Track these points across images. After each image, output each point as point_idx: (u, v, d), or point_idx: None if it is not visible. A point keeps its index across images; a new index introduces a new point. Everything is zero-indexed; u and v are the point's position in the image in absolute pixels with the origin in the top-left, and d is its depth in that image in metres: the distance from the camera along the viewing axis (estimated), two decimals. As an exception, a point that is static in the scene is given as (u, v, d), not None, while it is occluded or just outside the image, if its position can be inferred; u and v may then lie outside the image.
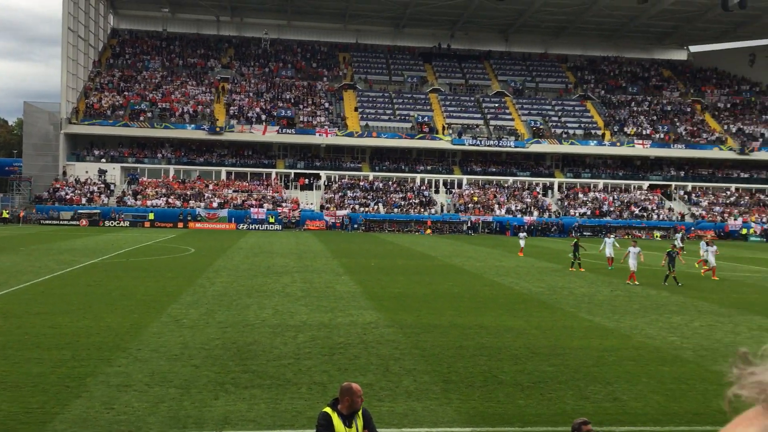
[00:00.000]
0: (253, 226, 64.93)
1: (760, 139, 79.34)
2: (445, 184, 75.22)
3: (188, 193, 68.90)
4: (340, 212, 67.24)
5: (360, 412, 6.58)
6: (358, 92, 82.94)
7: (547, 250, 45.61)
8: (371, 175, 74.62)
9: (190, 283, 23.92)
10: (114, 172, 71.65)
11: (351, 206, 68.44)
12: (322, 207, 68.78)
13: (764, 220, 70.41)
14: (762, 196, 75.88)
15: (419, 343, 14.85)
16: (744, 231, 68.22)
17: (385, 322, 17.25)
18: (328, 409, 6.56)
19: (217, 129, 72.93)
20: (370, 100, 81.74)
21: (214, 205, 67.07)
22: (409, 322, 17.32)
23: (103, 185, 69.33)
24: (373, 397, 10.66)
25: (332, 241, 48.68)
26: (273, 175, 73.87)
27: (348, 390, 6.55)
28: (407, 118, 78.43)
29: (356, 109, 79.25)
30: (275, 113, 76.46)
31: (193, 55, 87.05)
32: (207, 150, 75.22)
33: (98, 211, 64.85)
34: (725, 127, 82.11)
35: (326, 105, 79.99)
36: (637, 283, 26.39)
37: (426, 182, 74.85)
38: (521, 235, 41.81)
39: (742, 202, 74.34)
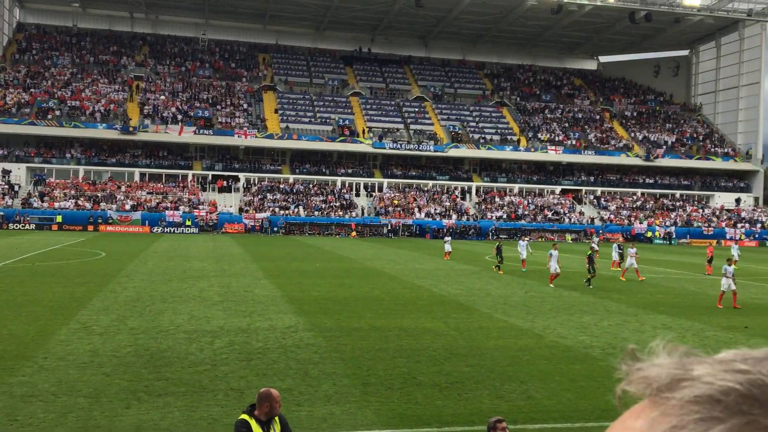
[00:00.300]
0: (168, 230, 63.19)
1: (664, 147, 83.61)
2: (365, 187, 75.51)
3: (99, 194, 66.33)
4: (260, 215, 66.38)
5: (277, 417, 6.54)
6: (279, 94, 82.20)
7: (466, 252, 46.50)
8: (291, 177, 74.05)
9: (100, 288, 23.04)
10: (19, 172, 68.15)
11: (271, 209, 67.67)
12: (241, 210, 67.69)
13: (667, 223, 74.18)
14: (665, 201, 79.93)
15: (339, 346, 14.84)
16: (649, 234, 71.64)
17: (304, 326, 17.15)
18: (245, 416, 6.46)
19: (131, 129, 70.61)
20: (291, 102, 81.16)
21: (127, 207, 64.86)
22: (329, 325, 17.27)
23: (7, 186, 65.82)
24: (292, 402, 10.57)
25: (251, 245, 48.00)
26: (189, 177, 72.14)
27: (267, 396, 6.49)
28: (328, 120, 78.32)
29: (276, 111, 78.50)
30: (192, 113, 74.75)
31: (105, 51, 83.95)
32: (119, 150, 72.67)
33: (1, 213, 61.52)
34: (632, 134, 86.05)
35: (245, 106, 78.85)
36: (552, 285, 27.19)
37: (347, 185, 74.91)
38: (446, 239, 42.29)
39: (647, 207, 78.07)
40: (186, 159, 74.08)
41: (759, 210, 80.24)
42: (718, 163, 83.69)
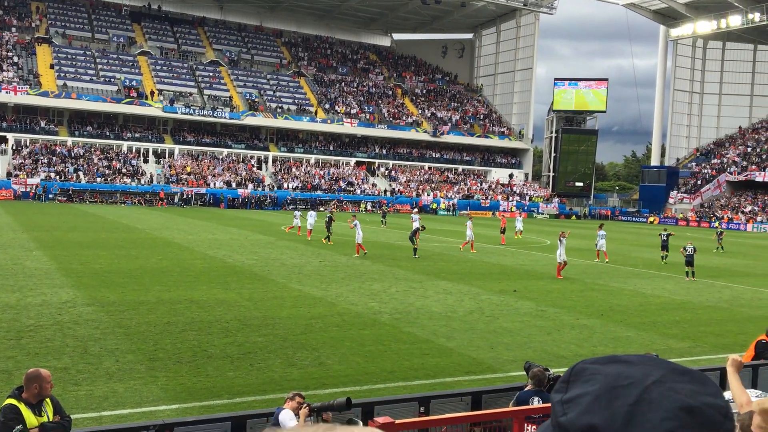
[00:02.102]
0: None
1: (449, 124, 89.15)
2: (155, 153, 71.62)
3: None
4: (32, 180, 60.31)
5: (48, 399, 6.09)
6: (55, 48, 74.69)
7: (261, 222, 46.13)
8: (70, 140, 68.03)
9: None
10: None
11: (46, 174, 61.74)
12: (9, 174, 60.94)
13: (451, 195, 79.48)
14: (450, 175, 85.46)
15: (123, 321, 14.05)
16: (434, 206, 76.27)
17: (84, 300, 15.99)
18: (12, 401, 5.94)
19: None
20: (70, 57, 74.19)
21: None
22: (112, 299, 16.27)
23: None
24: (69, 382, 9.87)
25: (22, 213, 43.52)
26: (-55, 136, 63.39)
27: (36, 376, 6.02)
28: (113, 80, 72.85)
29: (52, 67, 71.33)
30: (-52, 63, 65.51)
31: None
32: None
33: None
34: (421, 111, 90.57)
35: (15, 59, 70.67)
36: (364, 252, 27.96)
37: (134, 150, 70.49)
38: (296, 213, 38.51)
39: (434, 180, 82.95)
40: (-60, 115, 64.88)
41: (528, 184, 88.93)
42: (495, 141, 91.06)
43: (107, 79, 72.67)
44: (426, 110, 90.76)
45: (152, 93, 73.00)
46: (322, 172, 76.50)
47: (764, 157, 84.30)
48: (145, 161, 70.04)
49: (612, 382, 0.82)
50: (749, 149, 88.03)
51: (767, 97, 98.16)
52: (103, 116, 71.61)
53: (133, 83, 72.99)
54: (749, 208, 77.82)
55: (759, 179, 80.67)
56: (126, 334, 12.94)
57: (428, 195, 78.11)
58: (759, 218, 74.21)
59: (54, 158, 64.80)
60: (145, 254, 25.22)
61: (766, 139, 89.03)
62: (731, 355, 4.17)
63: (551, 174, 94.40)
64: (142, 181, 65.61)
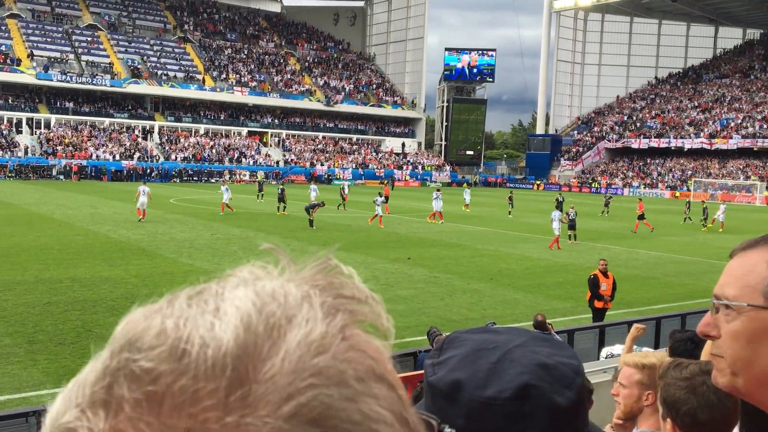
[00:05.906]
0: None
1: (342, 93, 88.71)
2: (29, 123, 66.96)
3: None
4: None
5: None
6: None
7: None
8: (-69, 109, 62.46)
9: None
10: None
11: None
12: None
13: (345, 165, 79.44)
14: (344, 144, 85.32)
15: (-3, 303, 13.17)
16: (328, 176, 76.01)
17: (-48, 282, 14.85)
18: None
19: None
20: (-74, 18, 67.74)
21: None
22: (-16, 280, 15.20)
23: None
24: (-64, 372, 9.15)
25: None
26: None
27: None
28: (-22, 44, 67.25)
29: None
30: None
31: None
32: None
33: None
34: (314, 80, 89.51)
35: None
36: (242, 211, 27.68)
37: (6, 121, 65.63)
38: (313, 187, 36.94)
39: (328, 149, 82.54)
40: None
41: (421, 153, 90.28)
42: (388, 111, 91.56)
43: (-29, 43, 67.03)
44: (319, 79, 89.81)
45: (23, 59, 68.01)
46: (212, 143, 74.33)
47: (639, 125, 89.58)
48: (19, 132, 65.44)
49: (478, 346, 0.93)
50: (626, 117, 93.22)
51: (643, 68, 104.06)
52: (-31, 83, 66.14)
53: (2, 48, 67.69)
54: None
55: (635, 146, 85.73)
56: (1, 317, 12.15)
57: (323, 165, 77.70)
58: (634, 183, 79.05)
59: None
60: (21, 231, 23.70)
61: (641, 107, 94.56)
62: (636, 324, 5.21)
63: (443, 143, 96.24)
64: (17, 154, 61.32)
